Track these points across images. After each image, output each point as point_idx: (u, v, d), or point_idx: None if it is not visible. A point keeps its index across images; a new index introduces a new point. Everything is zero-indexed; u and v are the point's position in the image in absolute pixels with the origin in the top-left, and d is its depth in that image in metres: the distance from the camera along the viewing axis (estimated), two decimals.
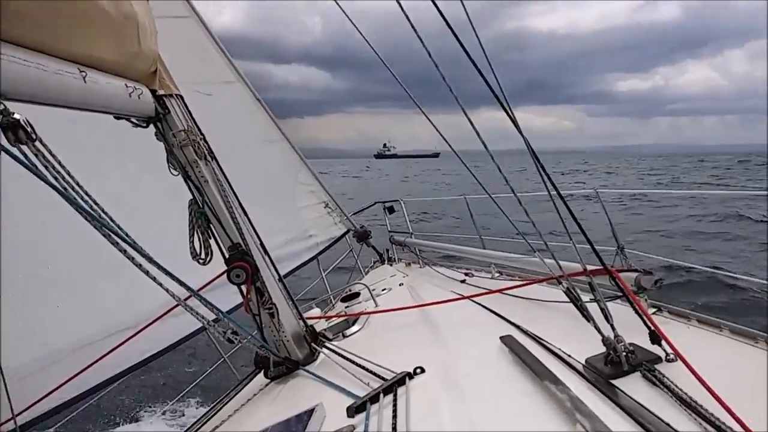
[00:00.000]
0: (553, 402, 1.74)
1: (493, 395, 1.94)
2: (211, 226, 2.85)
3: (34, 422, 2.84)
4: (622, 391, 1.79)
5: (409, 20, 2.30)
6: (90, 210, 1.86)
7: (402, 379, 2.14)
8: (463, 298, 3.33)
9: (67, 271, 3.42)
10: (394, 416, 1.84)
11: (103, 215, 1.99)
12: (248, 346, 2.77)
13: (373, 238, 6.43)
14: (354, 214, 6.83)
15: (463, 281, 4.15)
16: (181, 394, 4.10)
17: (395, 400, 1.98)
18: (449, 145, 2.90)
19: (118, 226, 2.05)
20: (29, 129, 1.56)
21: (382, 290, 4.47)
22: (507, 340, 2.35)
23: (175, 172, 2.70)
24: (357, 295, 4.13)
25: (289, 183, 6.16)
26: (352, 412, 2.01)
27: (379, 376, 2.28)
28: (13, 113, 1.52)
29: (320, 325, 3.55)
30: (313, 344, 3.00)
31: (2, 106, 1.47)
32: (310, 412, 2.06)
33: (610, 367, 1.98)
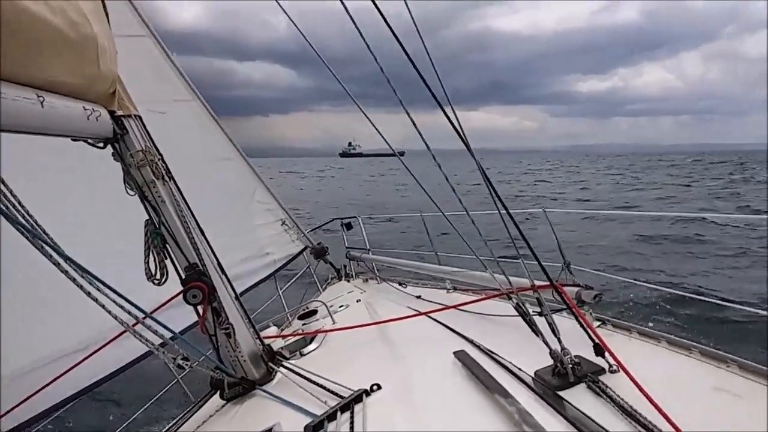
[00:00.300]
0: (502, 415, 1.83)
1: (447, 410, 2.02)
2: (167, 246, 2.85)
3: None
4: (569, 402, 1.90)
5: (355, 23, 2.40)
6: (34, 233, 1.83)
7: (359, 397, 2.20)
8: (420, 314, 3.41)
9: (12, 295, 3.33)
10: None
11: (47, 239, 1.97)
12: (201, 368, 2.75)
13: (330, 254, 6.47)
14: (311, 230, 6.86)
15: (418, 297, 4.24)
16: (133, 417, 4.01)
17: (352, 417, 2.04)
18: (390, 148, 3.02)
19: (61, 252, 2.02)
20: None
21: (340, 307, 4.52)
22: (460, 355, 2.45)
23: (132, 192, 2.69)
24: (314, 312, 4.17)
25: (246, 201, 6.15)
26: (309, 430, 2.05)
27: (336, 394, 2.33)
28: None
29: (277, 344, 3.57)
30: (270, 363, 3.02)
31: None
32: None
33: (557, 379, 2.09)
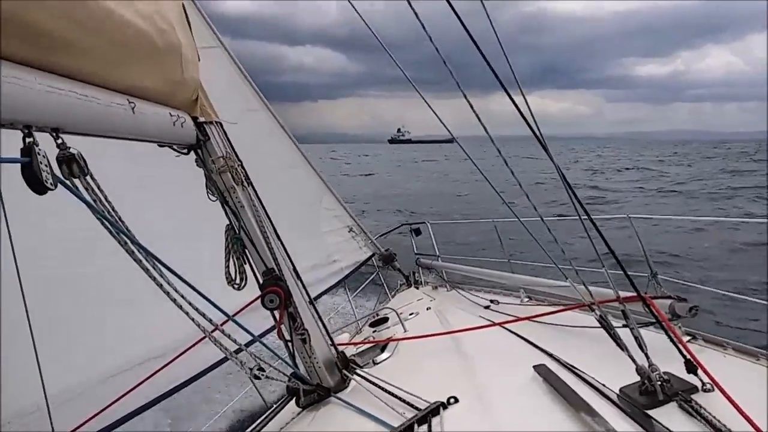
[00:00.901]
0: None
1: (529, 427, 1.91)
2: (246, 251, 2.88)
3: None
4: (659, 422, 1.75)
5: (411, 5, 2.33)
6: (129, 241, 1.87)
7: (436, 409, 2.12)
8: (494, 324, 3.29)
9: (95, 303, 3.44)
10: None
11: (139, 247, 2.01)
12: (275, 378, 2.73)
13: (398, 260, 6.41)
14: (378, 237, 6.83)
15: (487, 307, 4.11)
16: (212, 420, 4.08)
17: (430, 431, 1.96)
18: (450, 133, 2.91)
19: (155, 258, 2.06)
20: (82, 163, 1.60)
21: (410, 314, 4.44)
22: (541, 370, 2.32)
23: (213, 198, 2.73)
24: (385, 320, 4.11)
25: (313, 208, 6.20)
26: None
27: (412, 406, 2.25)
28: (69, 147, 1.55)
29: (349, 351, 3.53)
30: (344, 371, 2.98)
31: (60, 140, 1.51)
32: None
33: (645, 397, 1.94)
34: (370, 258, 6.49)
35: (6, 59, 1.24)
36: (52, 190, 1.35)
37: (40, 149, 1.33)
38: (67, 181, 1.57)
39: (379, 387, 2.59)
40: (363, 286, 6.55)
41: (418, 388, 2.37)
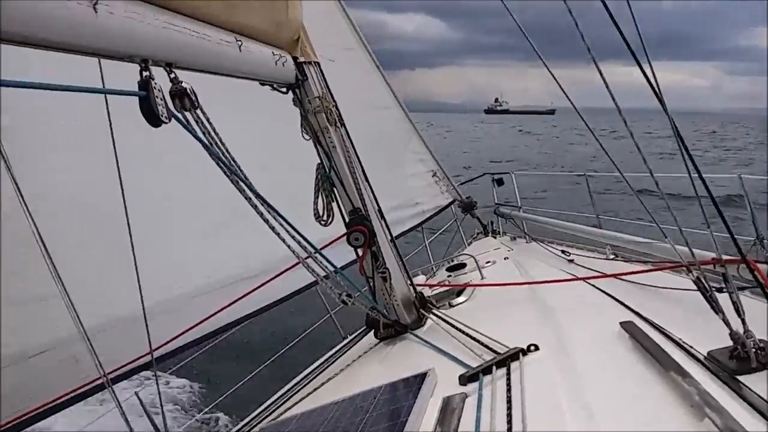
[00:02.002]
0: (677, 393, 1.69)
1: (613, 381, 1.90)
2: (334, 189, 3.00)
3: (165, 357, 3.19)
4: (750, 388, 1.70)
5: None
6: (235, 172, 2.01)
7: (515, 355, 2.15)
8: (577, 279, 3.25)
9: (191, 226, 3.72)
10: (509, 390, 1.87)
11: (244, 178, 2.17)
12: (360, 305, 2.89)
13: (478, 209, 6.39)
14: (461, 184, 6.81)
15: (571, 260, 4.05)
16: (289, 346, 4.40)
17: (509, 374, 2.00)
18: (570, 101, 2.79)
19: (252, 188, 2.21)
20: (193, 97, 1.71)
21: (486, 263, 4.47)
22: (627, 326, 2.29)
23: (307, 137, 2.84)
24: (462, 265, 4.17)
25: (400, 150, 6.25)
26: (464, 380, 2.06)
27: (490, 349, 2.30)
28: (182, 82, 1.66)
29: (425, 293, 3.63)
30: (421, 310, 3.09)
31: (173, 75, 1.62)
32: (422, 377, 2.13)
33: (736, 362, 1.88)
34: (450, 204, 6.51)
35: None
36: (166, 123, 1.47)
37: (155, 83, 1.44)
38: (179, 115, 1.69)
39: (456, 328, 2.66)
40: (440, 231, 6.61)
41: (496, 334, 2.41)
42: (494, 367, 2.08)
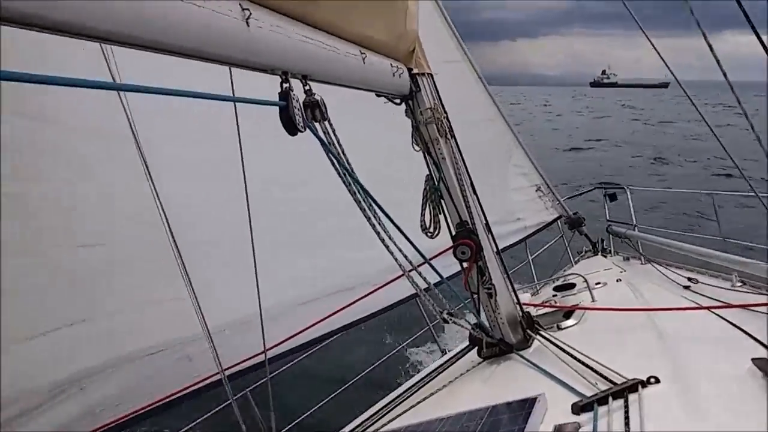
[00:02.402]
0: None
1: (742, 423, 1.72)
2: (442, 201, 2.97)
3: (276, 358, 3.30)
4: None
5: None
6: (356, 181, 2.04)
7: (634, 386, 2.00)
8: (701, 307, 2.99)
9: (302, 235, 3.83)
10: (627, 423, 1.74)
11: (360, 191, 2.22)
12: (462, 324, 2.83)
13: (586, 225, 6.09)
14: (568, 198, 6.54)
15: (687, 287, 3.73)
16: (384, 358, 4.41)
17: (627, 406, 1.86)
18: (674, 76, 2.57)
19: (373, 199, 2.25)
20: (323, 108, 1.75)
21: (596, 284, 4.23)
22: (760, 364, 2.06)
23: (418, 148, 2.84)
24: (572, 286, 3.97)
25: (502, 163, 6.12)
26: (577, 409, 1.95)
27: (605, 378, 2.16)
28: (315, 93, 1.71)
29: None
30: (528, 330, 2.97)
31: (308, 87, 1.67)
32: (532, 401, 2.04)
33: None
34: (555, 220, 6.26)
35: (272, 9, 1.39)
36: (302, 132, 1.52)
37: (294, 94, 1.49)
38: (312, 125, 1.74)
39: (566, 353, 2.53)
40: (545, 247, 6.37)
41: (610, 363, 2.26)
42: (610, 398, 1.95)
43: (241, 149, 2.77)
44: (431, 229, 2.98)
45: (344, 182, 1.97)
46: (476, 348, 2.99)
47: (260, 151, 3.27)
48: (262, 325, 2.84)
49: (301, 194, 3.76)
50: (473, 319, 2.94)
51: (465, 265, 2.94)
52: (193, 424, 4.24)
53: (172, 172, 3.04)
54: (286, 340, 3.27)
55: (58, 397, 2.44)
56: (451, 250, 2.95)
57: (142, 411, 2.72)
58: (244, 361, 3.04)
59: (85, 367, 2.58)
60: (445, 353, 4.10)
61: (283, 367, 4.02)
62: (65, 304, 2.60)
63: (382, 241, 2.41)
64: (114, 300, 2.78)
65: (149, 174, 2.38)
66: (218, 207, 3.28)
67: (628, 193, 5.85)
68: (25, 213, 2.51)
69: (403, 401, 2.67)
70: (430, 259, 2.57)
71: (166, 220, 2.48)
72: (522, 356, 2.76)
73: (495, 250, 3.07)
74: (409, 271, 2.59)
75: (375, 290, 3.56)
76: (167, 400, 2.81)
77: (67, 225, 2.66)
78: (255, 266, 2.81)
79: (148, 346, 2.84)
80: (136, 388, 2.74)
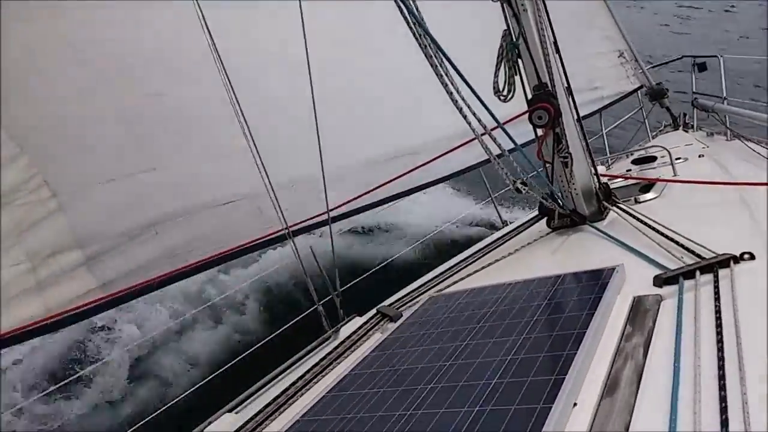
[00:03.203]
0: None
1: None
2: (519, 60, 2.72)
3: (339, 217, 3.33)
4: None
5: None
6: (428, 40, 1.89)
7: (725, 261, 1.86)
8: None
9: (369, 100, 3.67)
10: (717, 299, 1.63)
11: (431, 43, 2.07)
12: (535, 193, 2.70)
13: (669, 98, 5.59)
14: (653, 67, 5.96)
15: None
16: (443, 225, 4.42)
17: (716, 281, 1.74)
18: None
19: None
20: None
21: (677, 159, 3.95)
22: None
23: None
24: (652, 159, 3.72)
25: (584, 25, 5.54)
26: (659, 282, 1.85)
27: (691, 252, 2.03)
28: None
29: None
30: (604, 202, 2.83)
31: None
32: (610, 271, 1.95)
33: None
34: (636, 90, 5.76)
35: None
36: None
37: None
38: None
39: (647, 225, 2.38)
40: (623, 119, 5.94)
41: (696, 237, 2.11)
42: (698, 272, 1.83)
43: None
44: (504, 92, 2.76)
45: (415, 34, 1.79)
46: (545, 218, 2.89)
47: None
48: (324, 183, 2.82)
49: (370, 61, 3.60)
50: (544, 189, 2.81)
51: (540, 131, 2.75)
52: (256, 277, 4.49)
53: (239, 30, 2.91)
54: (350, 200, 3.28)
55: (136, 239, 2.58)
56: (526, 116, 2.77)
57: (215, 258, 2.84)
58: (309, 219, 3.08)
59: (160, 213, 2.68)
60: (506, 224, 4.04)
61: (346, 228, 4.10)
62: (135, 153, 2.65)
63: (455, 102, 2.27)
64: (185, 150, 2.82)
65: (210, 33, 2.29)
66: (285, 66, 3.17)
67: (721, 61, 5.23)
68: (94, 59, 2.49)
69: (466, 266, 2.66)
70: (504, 123, 2.40)
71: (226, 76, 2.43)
72: (596, 228, 2.64)
73: (576, 116, 2.84)
74: (482, 135, 2.45)
75: (444, 154, 3.43)
76: (238, 249, 2.92)
77: (134, 74, 2.63)
78: (316, 123, 2.74)
79: (220, 196, 2.91)
80: (209, 236, 2.85)
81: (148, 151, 2.72)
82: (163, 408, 2.56)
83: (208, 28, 2.58)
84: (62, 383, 4.13)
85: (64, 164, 2.49)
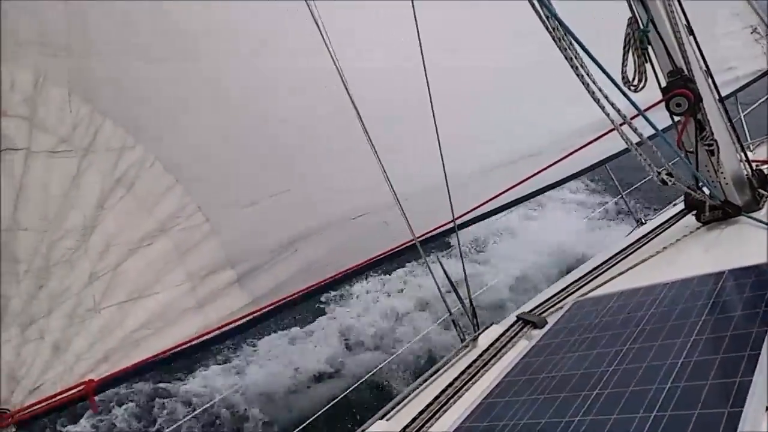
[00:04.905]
0: None
1: None
2: (649, 48, 2.57)
3: (465, 225, 3.31)
4: None
5: None
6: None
7: None
8: None
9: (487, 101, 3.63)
10: None
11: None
12: (681, 184, 2.51)
13: None
14: None
15: None
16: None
17: None
18: None
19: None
20: None
21: None
22: None
23: None
24: None
25: (709, 5, 5.12)
26: None
27: None
28: None
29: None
30: (760, 190, 2.57)
31: None
32: None
33: None
34: None
35: None
36: None
37: None
38: None
39: None
40: (760, 102, 5.39)
41: None
42: None
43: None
44: (635, 82, 2.62)
45: (547, 26, 1.75)
46: (693, 212, 2.68)
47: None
48: (448, 192, 2.82)
49: (482, 60, 3.56)
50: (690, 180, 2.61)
51: (679, 120, 2.57)
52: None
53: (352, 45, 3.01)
54: (475, 208, 3.25)
55: (278, 257, 2.74)
56: (659, 106, 2.60)
57: (348, 271, 2.94)
58: (435, 229, 3.10)
59: (297, 231, 2.83)
60: (642, 223, 3.79)
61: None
62: (271, 176, 2.82)
63: (591, 93, 2.19)
64: (315, 170, 2.95)
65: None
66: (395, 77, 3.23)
67: None
68: (218, 96, 2.68)
69: (609, 268, 2.53)
70: (645, 110, 2.27)
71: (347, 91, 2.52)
72: (753, 218, 2.41)
73: (717, 97, 2.63)
74: (621, 124, 2.33)
75: (579, 149, 3.31)
76: (370, 261, 3.00)
77: (260, 106, 2.81)
78: (437, 130, 2.75)
79: (350, 211, 3.01)
80: (341, 250, 2.95)
81: (283, 173, 2.88)
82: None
83: (330, 48, 2.68)
84: None
85: (211, 192, 2.70)
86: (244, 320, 2.55)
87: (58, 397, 1.99)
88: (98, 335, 2.16)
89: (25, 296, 1.99)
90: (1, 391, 1.88)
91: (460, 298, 2.80)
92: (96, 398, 2.10)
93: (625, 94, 2.21)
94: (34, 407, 1.94)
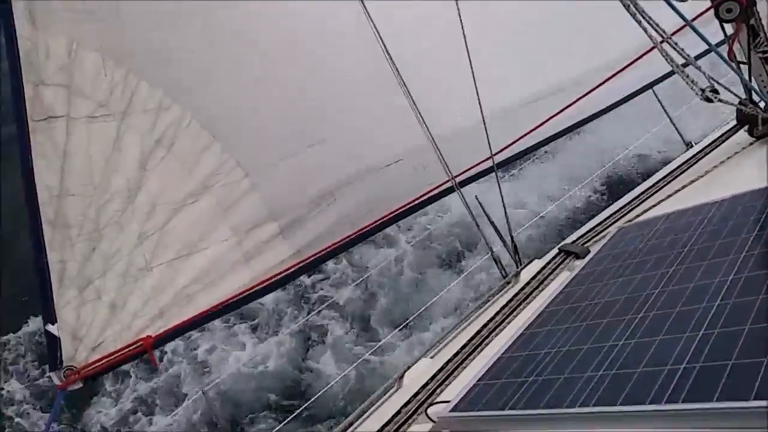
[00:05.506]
0: None
1: None
2: None
3: (504, 162, 3.23)
4: None
5: None
6: None
7: None
8: None
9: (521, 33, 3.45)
10: None
11: None
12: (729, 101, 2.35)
13: None
14: None
15: None
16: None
17: None
18: None
19: None
20: None
21: None
22: None
23: None
24: None
25: None
26: None
27: None
28: None
29: None
30: None
31: None
32: None
33: None
34: None
35: None
36: None
37: None
38: None
39: None
40: None
41: None
42: None
43: None
44: None
45: None
46: (745, 127, 2.51)
47: None
48: (486, 130, 2.75)
49: None
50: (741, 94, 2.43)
51: (730, 27, 2.38)
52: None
53: None
54: (511, 144, 3.15)
55: (317, 207, 2.76)
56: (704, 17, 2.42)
57: (389, 217, 2.94)
58: (475, 166, 3.03)
59: (335, 181, 2.83)
60: (691, 146, 3.59)
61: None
62: (305, 128, 2.81)
63: (627, 7, 2.04)
64: (348, 118, 2.92)
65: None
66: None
67: None
68: (262, 45, 2.66)
69: (655, 192, 2.42)
70: (693, 19, 2.11)
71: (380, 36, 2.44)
72: None
73: None
74: (661, 42, 2.18)
75: (622, 70, 3.12)
76: (408, 206, 2.99)
77: (296, 54, 2.76)
78: (471, 69, 2.66)
79: (386, 157, 2.98)
80: (380, 198, 2.95)
81: (317, 124, 2.86)
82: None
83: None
84: None
85: (248, 147, 2.72)
86: (290, 271, 2.61)
87: (119, 353, 2.12)
88: (151, 293, 2.26)
89: (80, 258, 2.09)
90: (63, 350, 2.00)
91: (500, 236, 2.77)
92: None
93: (672, 6, 2.04)
94: (97, 363, 2.07)
